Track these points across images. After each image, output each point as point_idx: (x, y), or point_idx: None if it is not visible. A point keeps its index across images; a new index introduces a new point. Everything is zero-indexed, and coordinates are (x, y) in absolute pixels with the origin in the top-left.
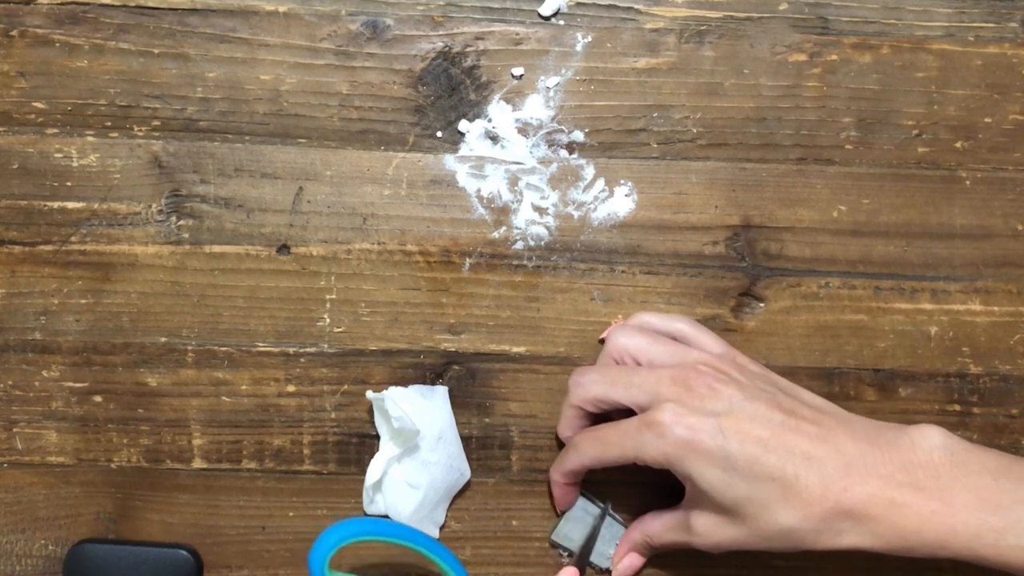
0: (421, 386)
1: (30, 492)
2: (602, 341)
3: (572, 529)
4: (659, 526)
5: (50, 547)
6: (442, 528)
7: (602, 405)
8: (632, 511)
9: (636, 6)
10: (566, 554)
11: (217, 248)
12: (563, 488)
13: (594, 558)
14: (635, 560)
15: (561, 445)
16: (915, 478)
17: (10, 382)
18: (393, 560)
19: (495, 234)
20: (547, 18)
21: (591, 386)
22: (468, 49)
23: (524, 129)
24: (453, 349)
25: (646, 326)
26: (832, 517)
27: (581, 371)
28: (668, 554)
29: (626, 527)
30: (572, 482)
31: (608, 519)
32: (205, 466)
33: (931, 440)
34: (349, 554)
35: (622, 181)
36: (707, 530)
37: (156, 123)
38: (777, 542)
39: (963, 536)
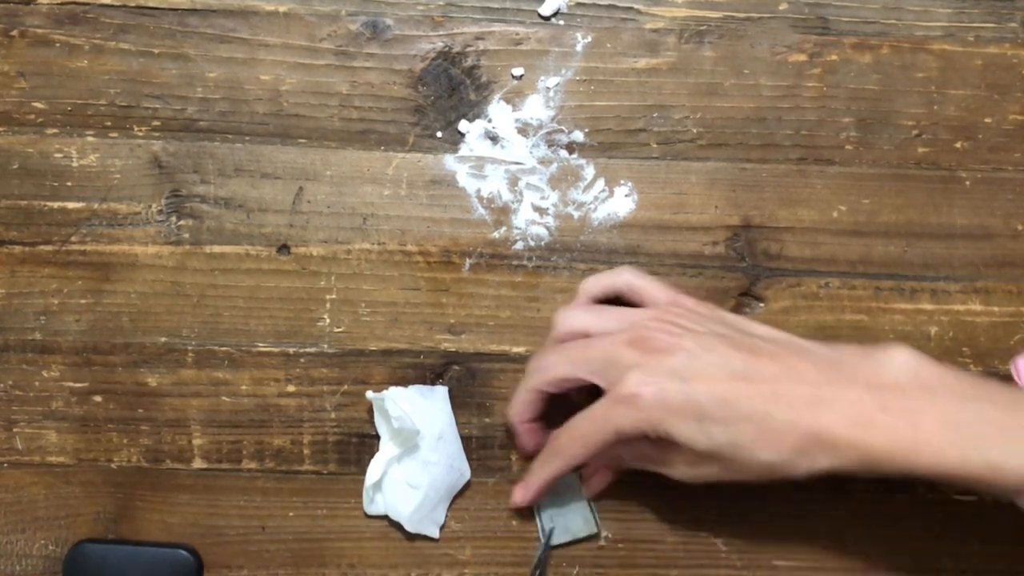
0: (421, 386)
1: (30, 492)
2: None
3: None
4: (633, 452)
5: (50, 547)
6: (442, 528)
7: (565, 385)
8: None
9: (636, 6)
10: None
11: (217, 248)
12: (542, 491)
13: (547, 522)
14: (608, 476)
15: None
16: (882, 400)
17: (10, 382)
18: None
19: (495, 234)
20: (547, 18)
21: (553, 368)
22: (468, 49)
23: (524, 129)
24: (453, 349)
25: (592, 292)
26: (805, 446)
27: (539, 355)
28: (669, 555)
29: (591, 507)
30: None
31: (570, 487)
32: (205, 466)
33: (897, 361)
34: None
35: (622, 181)
36: (686, 471)
37: (156, 123)
38: (756, 475)
39: (927, 455)
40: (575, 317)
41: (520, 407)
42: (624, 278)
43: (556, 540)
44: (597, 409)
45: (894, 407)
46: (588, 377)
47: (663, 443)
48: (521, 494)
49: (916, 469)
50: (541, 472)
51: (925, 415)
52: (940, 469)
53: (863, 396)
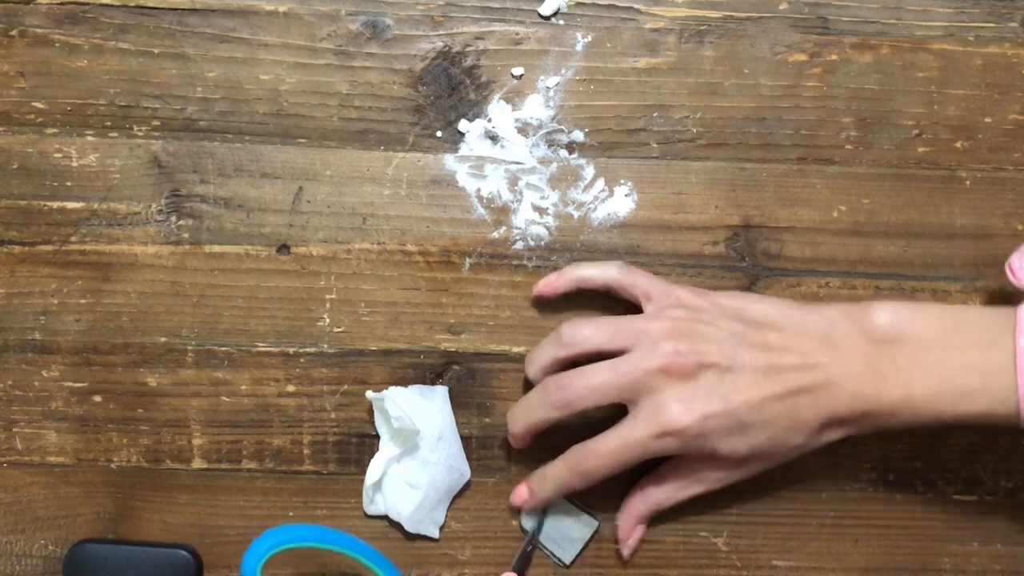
0: (421, 386)
1: (30, 492)
2: (538, 298)
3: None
4: (670, 492)
5: (50, 547)
6: (442, 528)
7: (587, 412)
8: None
9: (636, 6)
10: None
11: (217, 248)
12: (550, 501)
13: (551, 546)
14: (643, 530)
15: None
16: (879, 371)
17: (10, 382)
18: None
19: (495, 234)
20: (547, 18)
21: (580, 402)
22: (468, 49)
23: (524, 129)
24: (453, 349)
25: (578, 281)
26: (825, 426)
27: (562, 385)
28: (669, 555)
29: (577, 505)
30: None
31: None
32: (205, 466)
33: (881, 325)
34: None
35: (622, 181)
36: (725, 477)
37: (156, 123)
38: (786, 458)
39: (925, 411)
40: (586, 338)
41: (531, 426)
42: (610, 275)
43: (569, 555)
44: (635, 436)
45: (888, 372)
46: (616, 400)
47: (693, 464)
48: (528, 502)
49: (918, 422)
50: (557, 486)
51: (916, 373)
52: (939, 419)
53: (863, 370)
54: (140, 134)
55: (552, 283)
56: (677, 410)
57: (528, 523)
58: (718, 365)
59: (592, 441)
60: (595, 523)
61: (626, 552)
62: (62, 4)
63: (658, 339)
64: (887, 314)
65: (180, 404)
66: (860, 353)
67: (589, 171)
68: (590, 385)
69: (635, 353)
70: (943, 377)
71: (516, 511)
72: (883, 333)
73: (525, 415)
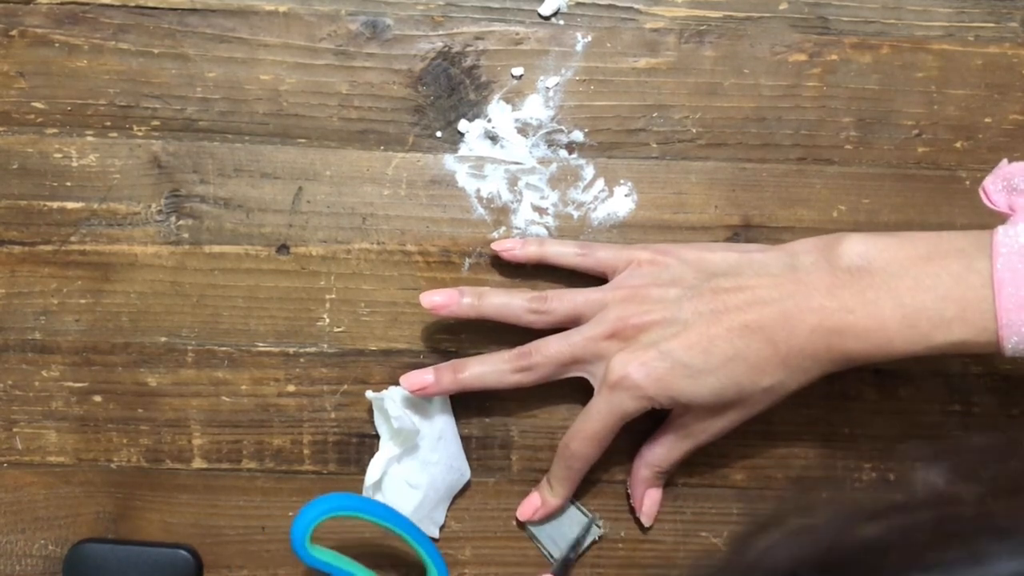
0: None
1: (30, 492)
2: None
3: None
4: (664, 451)
5: (50, 547)
6: (442, 528)
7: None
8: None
9: (636, 6)
10: (547, 552)
11: (217, 248)
12: (565, 502)
13: (551, 547)
14: (656, 495)
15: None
16: (844, 302)
17: (10, 382)
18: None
19: (495, 234)
20: (547, 18)
21: (540, 365)
22: (468, 49)
23: (524, 129)
24: (453, 349)
25: (547, 261)
26: (792, 364)
27: (529, 346)
28: (669, 555)
29: (579, 507)
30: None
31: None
32: (205, 466)
33: (848, 255)
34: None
35: (622, 181)
36: (708, 427)
37: (156, 123)
38: (764, 402)
39: (898, 344)
40: (553, 308)
41: (480, 378)
42: (571, 262)
43: (571, 556)
44: (596, 404)
45: (856, 303)
46: (573, 370)
47: (678, 420)
48: (540, 511)
49: (892, 356)
50: (563, 484)
51: (886, 305)
52: (913, 352)
53: (825, 303)
54: (140, 134)
55: (512, 250)
56: (618, 362)
57: (548, 543)
58: (661, 321)
59: (571, 426)
60: (596, 526)
61: (645, 520)
62: (62, 4)
63: (609, 307)
64: (856, 244)
65: (180, 404)
66: (823, 285)
67: (589, 171)
68: (545, 353)
69: (587, 324)
70: (915, 306)
71: (515, 511)
72: (850, 263)
73: (480, 366)
